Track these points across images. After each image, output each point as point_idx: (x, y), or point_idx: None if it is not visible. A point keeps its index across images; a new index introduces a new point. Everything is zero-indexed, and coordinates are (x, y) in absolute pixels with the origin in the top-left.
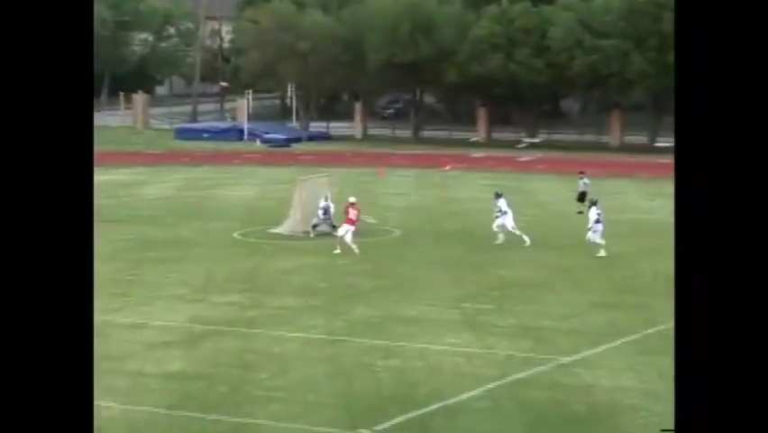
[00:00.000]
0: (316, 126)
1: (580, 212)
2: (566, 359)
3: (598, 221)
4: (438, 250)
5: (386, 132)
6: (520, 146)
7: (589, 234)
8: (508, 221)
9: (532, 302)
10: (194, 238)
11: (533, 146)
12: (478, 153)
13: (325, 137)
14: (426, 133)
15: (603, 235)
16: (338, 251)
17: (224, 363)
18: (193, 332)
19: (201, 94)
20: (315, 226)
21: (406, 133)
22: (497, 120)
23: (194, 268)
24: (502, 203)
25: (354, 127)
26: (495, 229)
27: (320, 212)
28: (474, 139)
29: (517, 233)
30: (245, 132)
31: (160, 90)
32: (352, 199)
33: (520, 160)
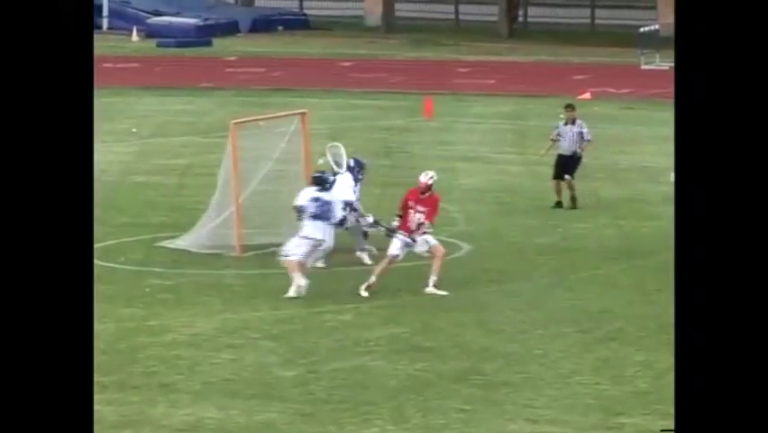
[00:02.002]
0: None
1: None
2: None
3: None
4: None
5: (437, 11)
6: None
7: None
8: None
9: None
10: None
11: None
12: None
13: (297, 22)
14: (535, 16)
15: None
16: (364, 292)
17: None
18: None
19: None
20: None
21: (485, 14)
22: None
23: None
24: None
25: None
26: None
27: (339, 207)
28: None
29: None
30: (104, 10)
31: None
32: (425, 179)
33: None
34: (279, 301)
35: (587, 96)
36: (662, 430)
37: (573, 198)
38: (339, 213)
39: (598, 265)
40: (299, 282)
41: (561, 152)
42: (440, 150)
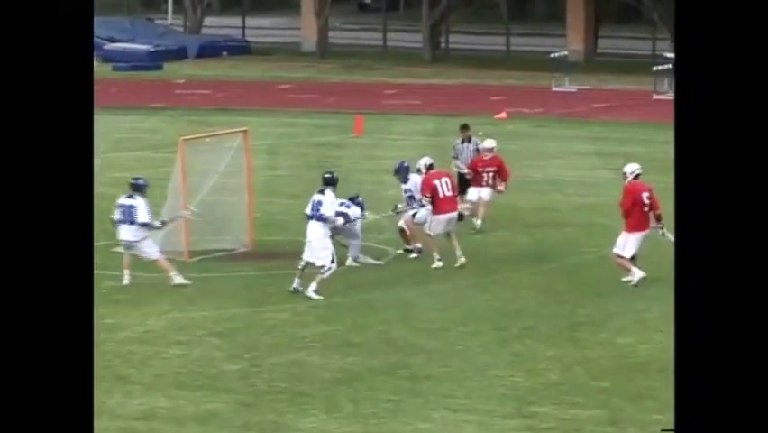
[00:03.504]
0: (218, 25)
1: None
2: None
3: None
4: None
5: (368, 39)
6: None
7: None
8: None
9: None
10: None
11: None
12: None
13: (240, 48)
14: (456, 43)
15: None
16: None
17: None
18: None
19: None
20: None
21: (410, 41)
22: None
23: None
24: None
25: (302, 28)
26: None
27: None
28: (561, 53)
29: None
30: None
31: None
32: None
33: None
34: (223, 301)
35: (503, 115)
36: (663, 430)
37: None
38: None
39: (512, 269)
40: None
41: (458, 170)
42: (369, 164)
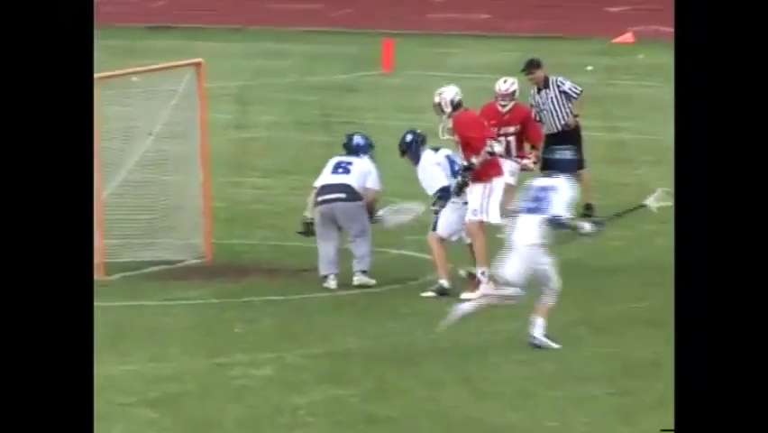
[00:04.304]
0: None
1: None
2: None
3: None
4: None
5: None
6: None
7: None
8: None
9: None
10: None
11: None
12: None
13: None
14: None
15: None
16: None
17: None
18: None
19: None
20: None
21: None
22: None
23: None
24: None
25: None
26: None
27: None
28: None
29: None
30: None
31: None
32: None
33: None
34: (163, 347)
35: (628, 37)
36: (663, 430)
37: (588, 206)
38: None
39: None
40: None
41: (546, 131)
42: (404, 119)
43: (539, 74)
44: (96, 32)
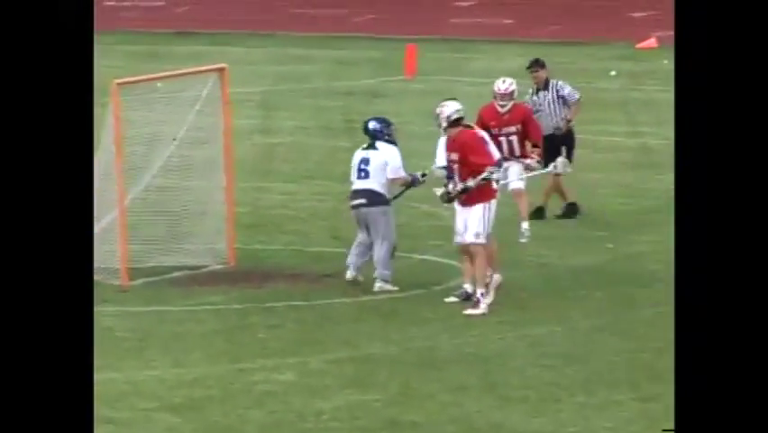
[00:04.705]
0: None
1: None
2: None
3: None
4: None
5: None
6: None
7: None
8: None
9: None
10: None
11: None
12: None
13: None
14: None
15: None
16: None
17: None
18: None
19: None
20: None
21: None
22: None
23: None
24: None
25: None
26: None
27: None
28: None
29: None
30: None
31: None
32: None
33: None
34: (185, 353)
35: (652, 42)
36: (663, 430)
37: (570, 207)
38: None
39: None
40: None
41: (546, 132)
42: (427, 124)
43: (542, 74)
44: (119, 37)
